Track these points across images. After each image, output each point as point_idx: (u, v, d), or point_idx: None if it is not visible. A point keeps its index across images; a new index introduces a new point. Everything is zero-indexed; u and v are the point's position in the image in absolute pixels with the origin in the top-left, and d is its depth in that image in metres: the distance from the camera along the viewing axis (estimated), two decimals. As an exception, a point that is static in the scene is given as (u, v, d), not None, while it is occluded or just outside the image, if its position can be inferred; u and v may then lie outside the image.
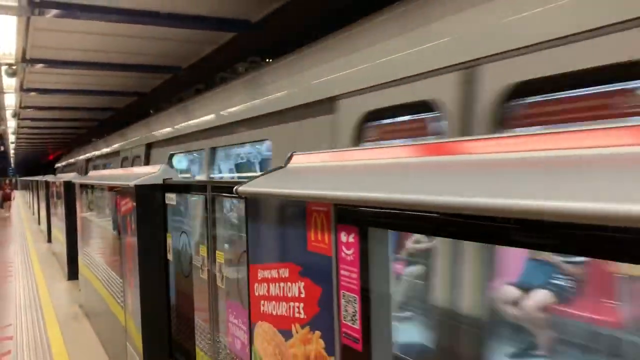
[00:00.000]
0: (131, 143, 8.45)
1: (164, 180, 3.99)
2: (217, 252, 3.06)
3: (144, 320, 4.23)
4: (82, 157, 14.92)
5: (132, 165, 7.99)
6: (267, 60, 7.98)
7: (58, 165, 22.11)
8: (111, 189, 5.29)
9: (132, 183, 4.02)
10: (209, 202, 3.09)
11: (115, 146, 9.89)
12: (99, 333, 6.47)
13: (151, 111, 11.82)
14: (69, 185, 9.81)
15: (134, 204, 4.12)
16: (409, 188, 1.26)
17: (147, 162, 7.13)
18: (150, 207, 4.05)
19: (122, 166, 8.70)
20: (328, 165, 1.81)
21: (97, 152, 12.42)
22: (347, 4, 5.95)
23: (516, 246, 1.07)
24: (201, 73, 9.55)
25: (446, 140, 1.65)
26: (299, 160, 2.02)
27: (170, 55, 8.38)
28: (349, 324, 1.47)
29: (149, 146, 7.22)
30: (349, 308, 1.47)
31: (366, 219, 1.40)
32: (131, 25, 6.56)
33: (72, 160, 17.39)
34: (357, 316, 1.44)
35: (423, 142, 1.55)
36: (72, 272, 9.59)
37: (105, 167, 11.08)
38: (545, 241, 1.01)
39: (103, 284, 6.03)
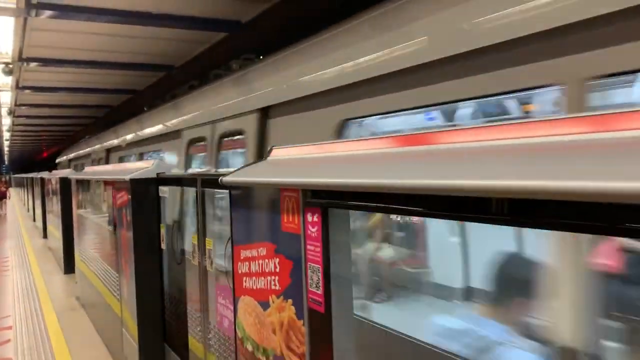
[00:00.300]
0: (214, 113, 4.57)
1: (157, 174, 4.23)
2: (206, 239, 3.32)
3: (139, 307, 4.48)
4: (100, 146, 10.76)
5: (217, 152, 4.28)
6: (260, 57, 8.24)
7: (60, 159, 18.15)
8: (107, 183, 5.53)
9: (127, 177, 4.27)
10: (198, 193, 3.35)
11: (173, 123, 5.86)
12: (96, 322, 6.72)
13: (145, 108, 12.04)
14: (65, 182, 10.04)
15: (130, 197, 4.36)
16: (360, 175, 1.52)
17: (261, 143, 3.58)
18: (144, 200, 4.29)
19: (187, 154, 5.01)
20: (302, 157, 2.07)
21: (129, 137, 8.37)
22: (336, 4, 6.20)
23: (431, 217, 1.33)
24: (194, 71, 9.79)
25: (401, 134, 1.91)
26: (278, 153, 2.27)
27: (164, 54, 8.61)
28: (314, 290, 1.73)
29: (266, 114, 3.71)
30: (314, 277, 1.73)
31: (326, 201, 1.66)
32: (125, 25, 6.79)
33: (82, 152, 13.24)
34: (320, 283, 1.70)
35: (382, 136, 1.81)
36: (69, 266, 9.82)
37: (142, 157, 7.50)
38: (448, 212, 1.27)
39: (99, 276, 6.28)
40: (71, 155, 15.24)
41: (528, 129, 1.23)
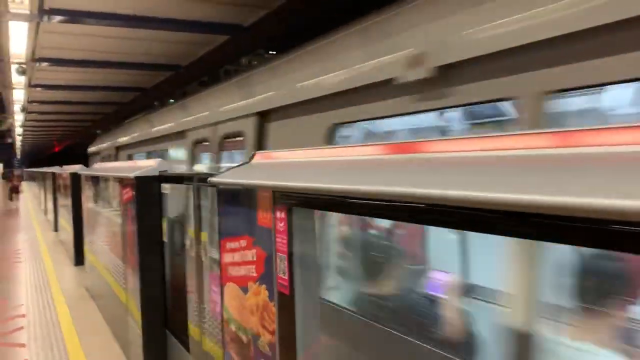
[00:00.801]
0: None
1: (160, 172, 4.56)
2: (201, 232, 3.64)
3: (142, 296, 4.82)
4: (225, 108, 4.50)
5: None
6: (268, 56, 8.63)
7: (97, 147, 13.08)
8: (114, 180, 5.88)
9: (132, 175, 4.60)
10: (194, 190, 3.67)
11: None
12: (104, 311, 7.09)
13: (155, 103, 12.40)
14: (75, 177, 10.43)
15: (134, 193, 4.70)
16: (320, 180, 1.82)
17: None
18: (148, 196, 4.62)
19: None
20: (277, 162, 2.39)
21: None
22: (328, 10, 6.52)
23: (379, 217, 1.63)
24: (200, 71, 10.15)
25: (365, 144, 2.21)
26: (260, 157, 2.59)
27: (170, 55, 8.95)
28: (281, 276, 2.04)
29: None
30: (282, 265, 2.04)
31: (291, 201, 1.97)
32: (132, 28, 7.13)
33: (153, 133, 7.54)
34: (286, 270, 2.01)
35: (345, 146, 2.12)
36: (79, 258, 10.22)
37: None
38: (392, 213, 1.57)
39: (107, 267, 6.64)
40: (123, 140, 9.73)
41: (498, 142, 1.33)
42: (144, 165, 4.85)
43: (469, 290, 3.59)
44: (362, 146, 2.01)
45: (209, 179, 2.58)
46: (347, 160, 1.93)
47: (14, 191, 27.98)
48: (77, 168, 10.53)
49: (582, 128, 1.11)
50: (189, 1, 6.29)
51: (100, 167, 7.67)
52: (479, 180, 1.20)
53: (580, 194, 0.91)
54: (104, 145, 11.90)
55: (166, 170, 4.58)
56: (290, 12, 6.62)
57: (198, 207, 3.69)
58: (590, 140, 1.08)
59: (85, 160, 13.50)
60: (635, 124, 1.01)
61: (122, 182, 5.18)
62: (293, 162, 2.21)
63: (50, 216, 17.24)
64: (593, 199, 0.88)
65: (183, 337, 4.32)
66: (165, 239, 4.74)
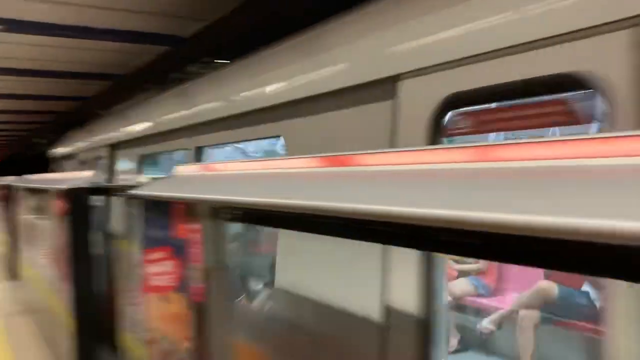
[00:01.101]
0: None
1: (91, 183, 4.55)
2: (131, 244, 3.68)
3: (74, 309, 4.76)
4: None
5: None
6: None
7: (60, 150, 11.13)
8: (48, 192, 5.78)
9: (61, 187, 4.56)
10: (125, 202, 3.71)
11: None
12: (39, 326, 6.92)
13: (99, 113, 12.16)
14: (8, 188, 10.11)
15: (65, 205, 4.65)
16: (234, 191, 1.92)
17: None
18: (78, 208, 4.58)
19: None
20: (194, 175, 2.48)
21: None
22: (268, 24, 6.65)
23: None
24: (143, 79, 10.08)
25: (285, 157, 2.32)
26: (181, 170, 2.67)
27: (111, 64, 8.86)
28: (195, 285, 2.14)
29: None
30: (196, 274, 2.13)
31: (202, 213, 2.07)
32: (71, 38, 7.05)
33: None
34: (200, 279, 2.10)
35: (265, 159, 2.23)
36: (14, 273, 9.88)
37: None
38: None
39: (43, 281, 6.49)
40: (133, 130, 6.92)
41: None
42: (77, 176, 4.82)
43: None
44: (289, 159, 2.13)
45: (127, 191, 2.64)
46: (268, 174, 2.03)
47: None
48: (10, 180, 10.22)
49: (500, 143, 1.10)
50: (127, 13, 6.28)
51: (34, 179, 7.50)
52: (427, 195, 1.11)
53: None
54: (84, 144, 8.72)
55: (98, 182, 4.58)
56: (228, 25, 6.72)
57: (128, 218, 3.73)
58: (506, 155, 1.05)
59: (35, 168, 12.10)
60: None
61: (54, 194, 5.12)
62: (215, 175, 2.31)
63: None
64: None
65: (116, 348, 4.32)
66: (100, 250, 4.71)
